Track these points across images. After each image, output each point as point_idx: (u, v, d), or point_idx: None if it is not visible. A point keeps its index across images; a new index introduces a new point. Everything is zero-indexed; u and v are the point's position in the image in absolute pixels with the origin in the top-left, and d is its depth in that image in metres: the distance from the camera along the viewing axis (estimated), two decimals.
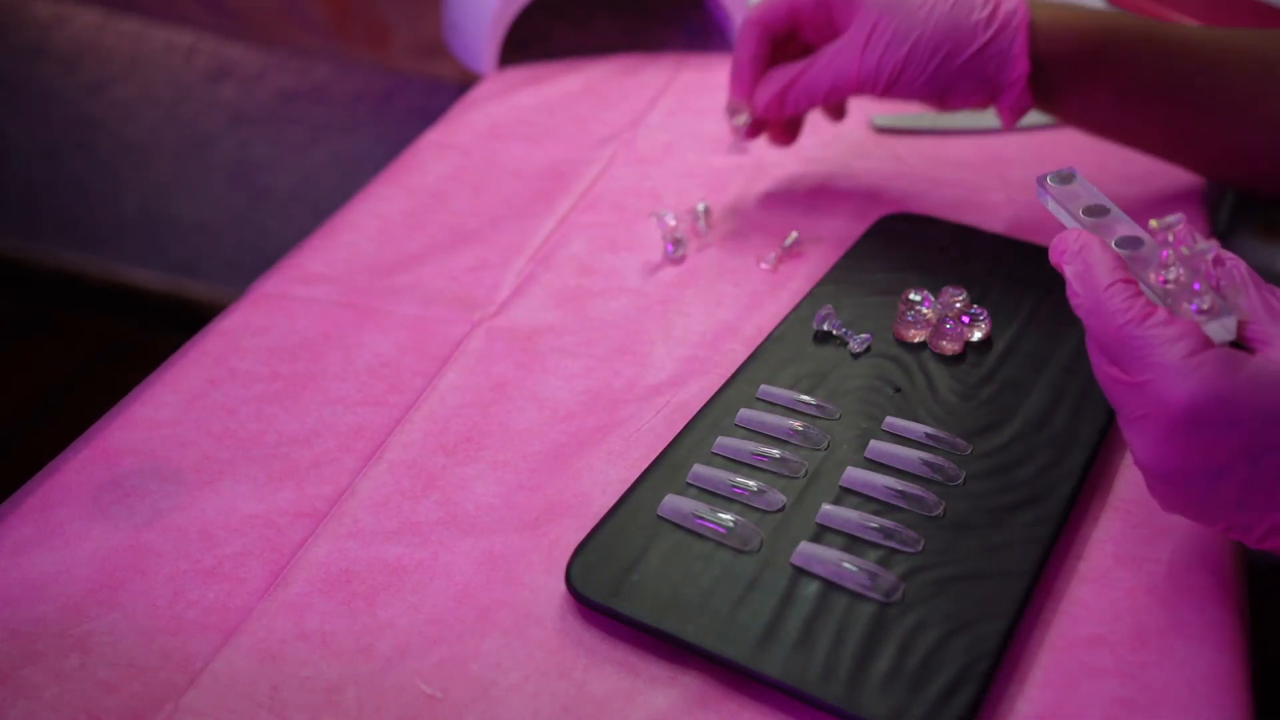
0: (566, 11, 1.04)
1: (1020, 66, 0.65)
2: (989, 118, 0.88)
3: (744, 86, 0.71)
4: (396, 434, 0.58)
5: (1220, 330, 0.44)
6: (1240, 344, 0.44)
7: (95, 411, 0.60)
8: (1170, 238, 0.47)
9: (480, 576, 0.50)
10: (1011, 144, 0.84)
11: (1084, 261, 0.46)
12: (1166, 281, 0.46)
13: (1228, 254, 0.46)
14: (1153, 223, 0.48)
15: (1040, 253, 0.70)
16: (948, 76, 0.66)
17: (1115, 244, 0.48)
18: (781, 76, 0.70)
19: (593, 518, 0.53)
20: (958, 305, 0.62)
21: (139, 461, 0.56)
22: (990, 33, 0.64)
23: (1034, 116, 0.88)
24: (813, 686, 0.44)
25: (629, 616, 0.47)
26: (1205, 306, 0.44)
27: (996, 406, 0.57)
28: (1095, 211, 0.51)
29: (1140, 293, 0.45)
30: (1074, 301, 0.46)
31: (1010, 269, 0.68)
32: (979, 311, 0.62)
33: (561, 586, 0.49)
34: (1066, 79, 0.66)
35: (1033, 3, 0.66)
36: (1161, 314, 0.43)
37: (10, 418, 1.64)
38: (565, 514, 0.53)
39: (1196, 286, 0.45)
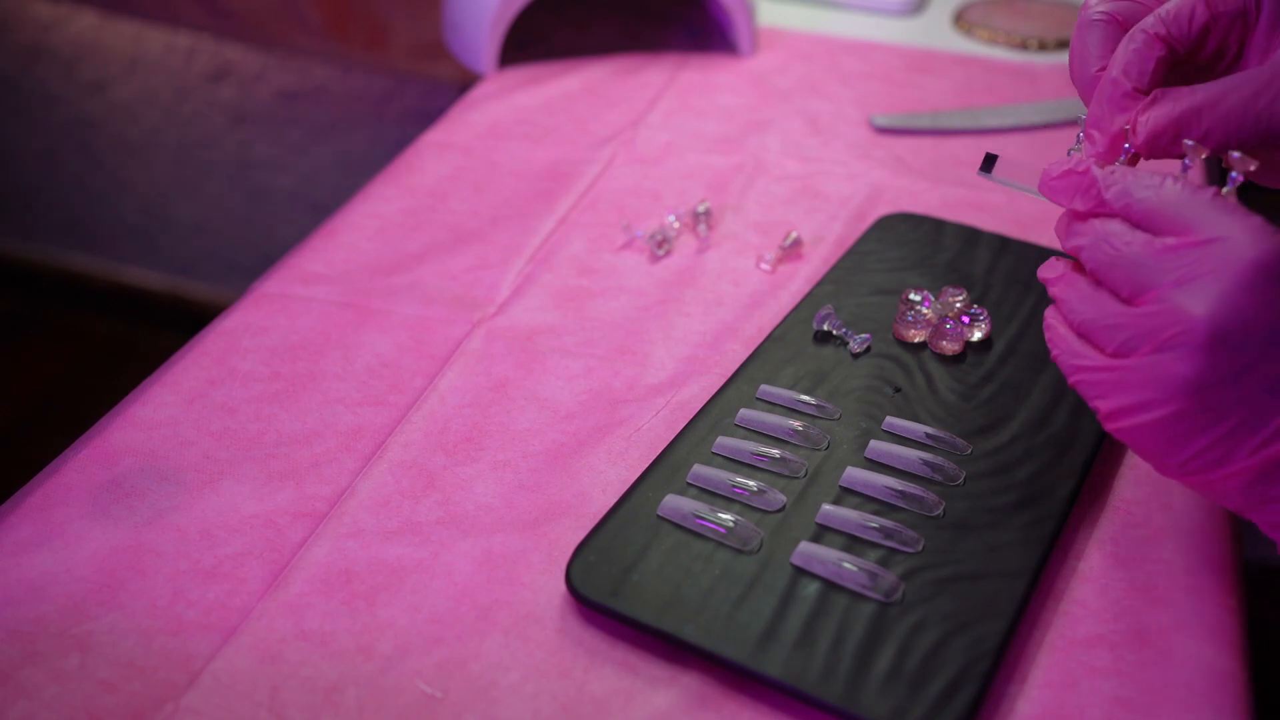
0: (566, 11, 1.04)
1: None
2: (989, 117, 0.88)
3: (1119, 112, 0.49)
4: (396, 434, 0.58)
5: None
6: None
7: (95, 411, 0.60)
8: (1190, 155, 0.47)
9: (480, 576, 0.50)
10: (1012, 144, 0.84)
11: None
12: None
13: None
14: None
15: (1040, 253, 0.70)
16: None
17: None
18: (1184, 100, 0.49)
19: (593, 518, 0.53)
20: (958, 305, 0.62)
21: (139, 461, 0.56)
22: None
23: (1031, 115, 0.88)
24: (813, 686, 0.44)
25: (629, 616, 0.47)
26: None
27: (996, 406, 0.57)
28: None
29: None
30: (1107, 194, 0.45)
31: (1010, 269, 0.68)
32: (979, 311, 0.62)
33: (561, 586, 0.49)
34: None
35: None
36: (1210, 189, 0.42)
37: (10, 418, 1.64)
38: (565, 514, 0.53)
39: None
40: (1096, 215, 0.46)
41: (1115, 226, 0.44)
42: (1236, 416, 0.42)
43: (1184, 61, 0.51)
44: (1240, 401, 0.42)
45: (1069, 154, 0.52)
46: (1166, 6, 0.50)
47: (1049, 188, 0.48)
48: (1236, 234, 0.41)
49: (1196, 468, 0.43)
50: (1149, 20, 0.50)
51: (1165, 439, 0.43)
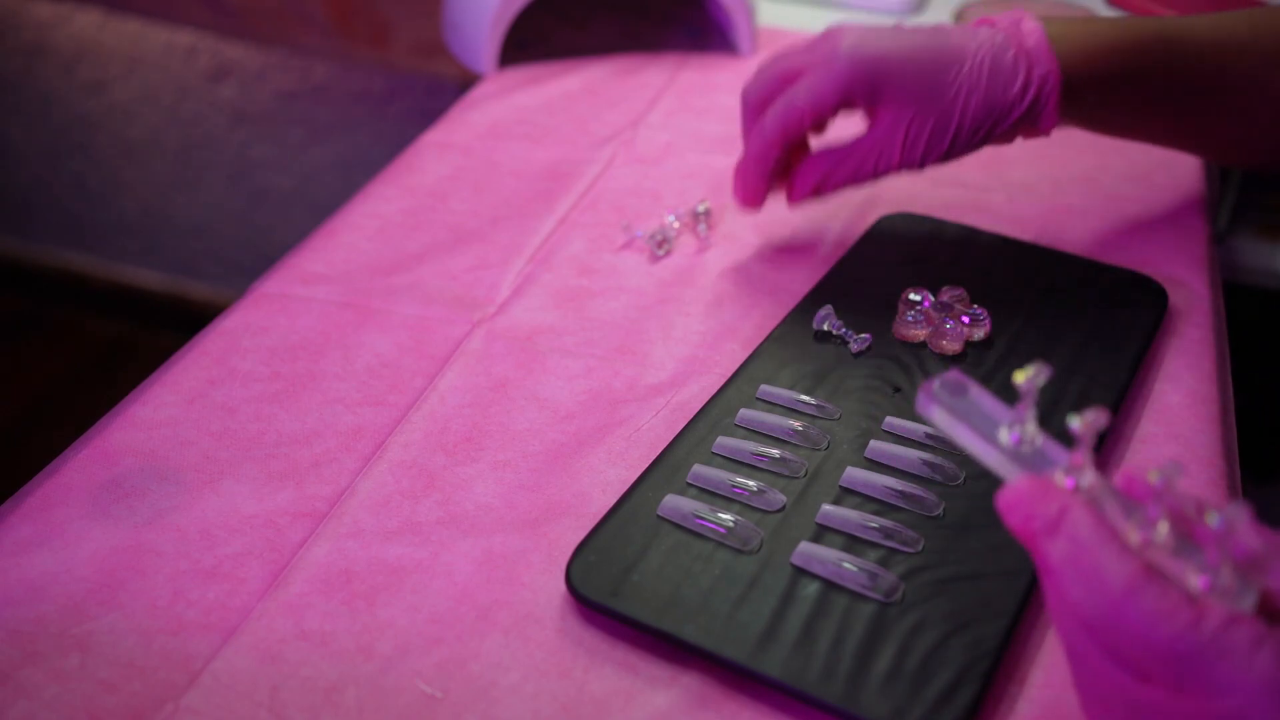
0: (566, 11, 1.04)
1: (1050, 122, 0.64)
2: None
3: (762, 183, 0.68)
4: (396, 434, 0.58)
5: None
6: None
7: (95, 411, 0.60)
8: (1162, 492, 0.36)
9: (480, 576, 0.50)
10: (1011, 144, 0.84)
11: (1074, 542, 0.35)
12: (1149, 543, 0.35)
13: (1241, 519, 0.35)
14: (1152, 475, 0.35)
15: (1041, 253, 0.70)
16: (984, 142, 0.65)
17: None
18: (819, 166, 0.65)
19: (593, 518, 0.53)
20: (958, 305, 0.62)
21: (139, 461, 0.56)
22: (1028, 99, 0.62)
23: None
24: (813, 686, 0.44)
25: (629, 616, 0.47)
26: (1223, 583, 0.34)
27: None
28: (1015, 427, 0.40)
29: (1167, 584, 0.34)
30: (1069, 597, 0.35)
31: (1010, 269, 0.68)
32: (979, 311, 0.62)
33: (561, 586, 0.49)
34: (1089, 100, 0.64)
35: (1050, 28, 0.63)
36: (1217, 613, 0.33)
37: (10, 418, 1.64)
38: (565, 514, 0.53)
39: (1212, 558, 0.34)
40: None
41: (1092, 655, 0.36)
42: None
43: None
44: None
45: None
46: (778, 110, 0.65)
47: (1004, 503, 0.39)
48: (1253, 698, 0.32)
49: None
50: (770, 120, 0.66)
51: None
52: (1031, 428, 0.40)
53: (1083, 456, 0.37)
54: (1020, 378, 0.39)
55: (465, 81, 1.03)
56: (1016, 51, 0.62)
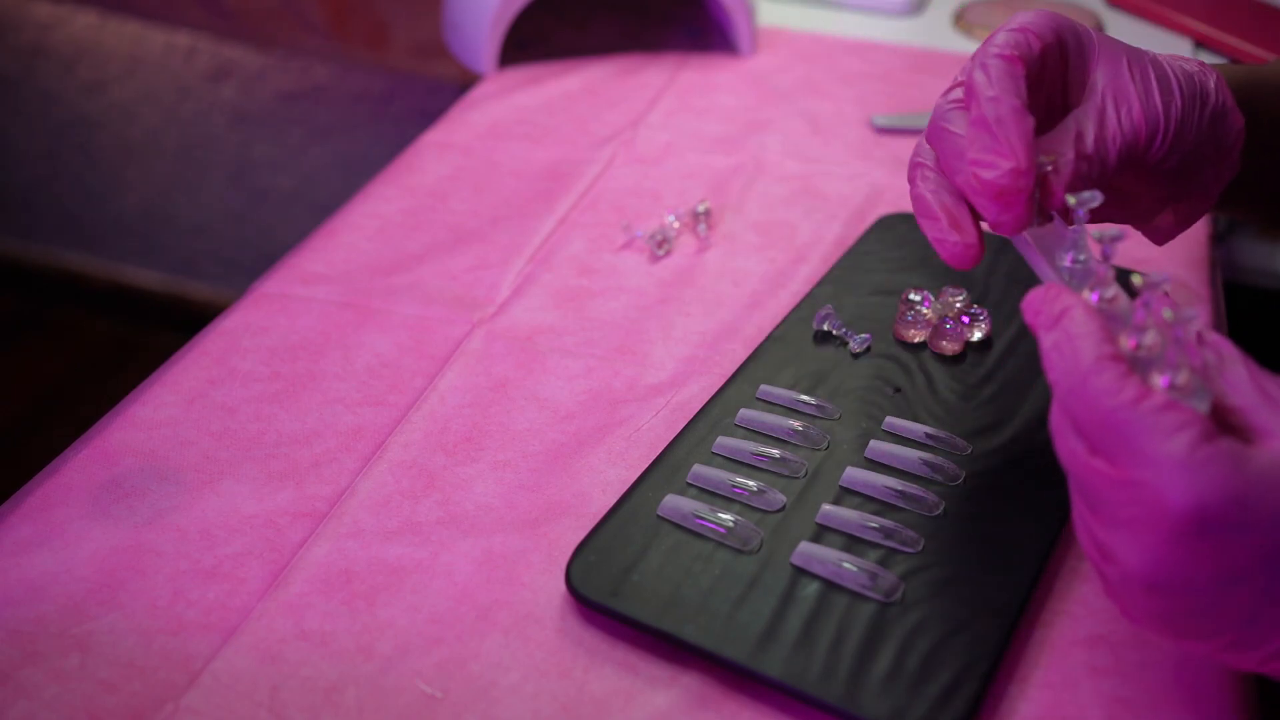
0: (566, 11, 1.04)
1: (1237, 120, 0.53)
2: None
3: (1020, 140, 0.47)
4: (396, 434, 0.58)
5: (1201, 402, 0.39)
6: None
7: (95, 411, 0.60)
8: (1150, 298, 0.40)
9: (480, 576, 0.50)
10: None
11: (1064, 330, 0.40)
12: (1138, 346, 0.40)
13: (1214, 334, 0.41)
14: (1135, 277, 0.41)
15: None
16: (1197, 132, 0.52)
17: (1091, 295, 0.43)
18: (1062, 155, 0.49)
19: (593, 518, 0.53)
20: (958, 305, 0.62)
21: (139, 461, 0.56)
22: (1212, 85, 0.52)
23: None
24: (813, 686, 0.44)
25: (629, 616, 0.47)
26: (1180, 382, 0.39)
27: (996, 406, 0.57)
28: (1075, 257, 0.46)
29: (1131, 372, 0.39)
30: (1051, 375, 0.40)
31: (1010, 269, 0.68)
32: (979, 311, 0.62)
33: (561, 586, 0.49)
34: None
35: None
36: (1159, 397, 0.37)
37: (10, 418, 1.64)
38: (565, 514, 0.53)
39: (1172, 357, 0.39)
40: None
41: (1064, 427, 0.40)
42: (1225, 636, 0.38)
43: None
44: (1200, 629, 0.38)
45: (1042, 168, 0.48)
46: (1000, 37, 0.49)
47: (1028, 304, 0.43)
48: (1162, 473, 0.36)
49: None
50: (995, 45, 0.49)
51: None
52: (1083, 251, 0.46)
53: (1105, 271, 0.43)
54: (1072, 200, 0.44)
55: (465, 81, 1.03)
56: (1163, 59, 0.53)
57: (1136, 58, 0.51)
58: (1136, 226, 0.56)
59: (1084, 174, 0.50)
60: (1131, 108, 0.50)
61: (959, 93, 0.50)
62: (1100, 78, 0.51)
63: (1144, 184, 0.54)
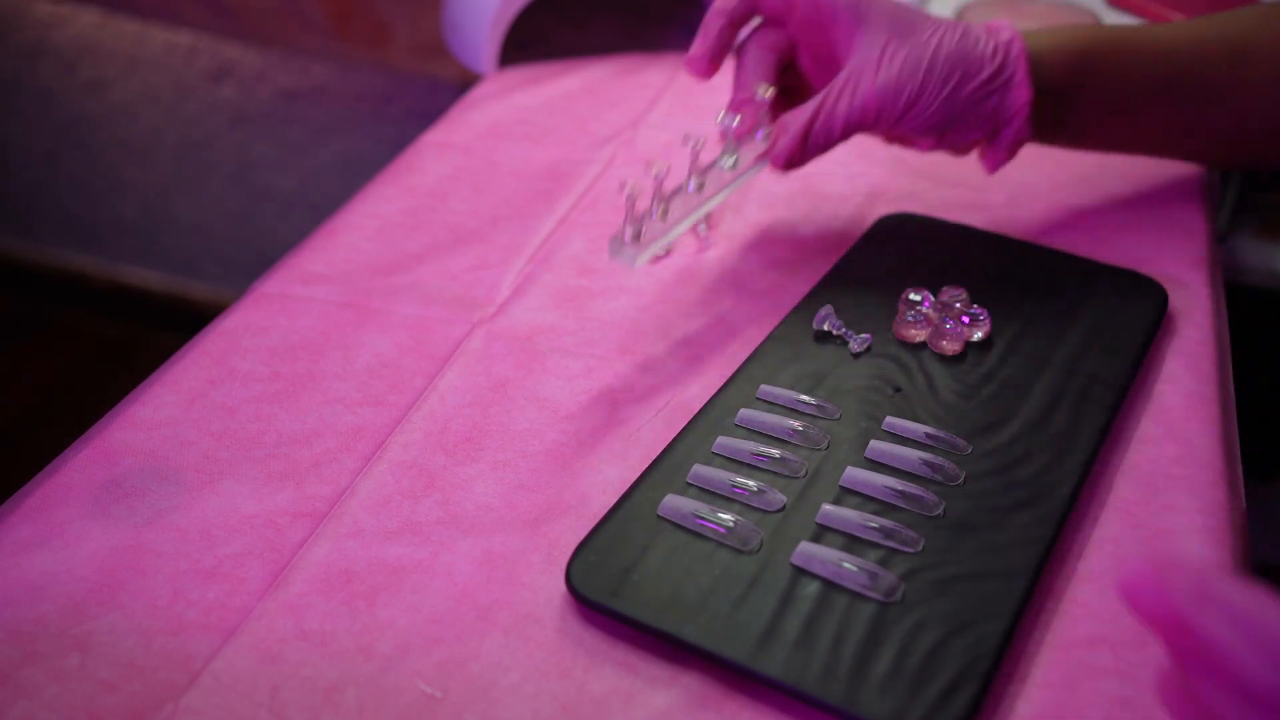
0: (566, 11, 1.04)
1: (1023, 94, 0.64)
2: None
3: (712, 64, 0.66)
4: (396, 434, 0.58)
5: (623, 257, 0.53)
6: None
7: (95, 411, 0.60)
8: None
9: (480, 576, 0.50)
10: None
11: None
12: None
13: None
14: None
15: (1041, 253, 0.70)
16: (956, 106, 0.64)
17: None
18: (799, 117, 0.64)
19: (593, 518, 0.53)
20: (958, 305, 0.62)
21: (139, 461, 0.56)
22: (996, 62, 0.63)
23: None
24: (813, 686, 0.44)
25: (629, 616, 0.47)
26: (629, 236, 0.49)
27: (996, 406, 0.57)
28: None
29: None
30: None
31: (1010, 269, 0.68)
32: (979, 311, 0.62)
33: (561, 586, 0.49)
34: (1061, 103, 0.66)
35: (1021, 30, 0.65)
36: None
37: (10, 418, 1.64)
38: (565, 514, 0.53)
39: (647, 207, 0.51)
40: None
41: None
42: None
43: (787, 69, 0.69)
44: None
45: (723, 124, 0.64)
46: None
47: None
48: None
49: None
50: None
51: None
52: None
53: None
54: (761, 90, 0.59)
55: (465, 81, 1.03)
56: (982, 28, 0.65)
57: (899, 37, 0.62)
58: (955, 155, 0.70)
59: (815, 141, 0.64)
60: (861, 88, 0.62)
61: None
62: (856, 53, 0.63)
63: (916, 136, 0.67)
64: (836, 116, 0.63)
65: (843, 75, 0.63)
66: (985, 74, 0.63)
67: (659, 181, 0.59)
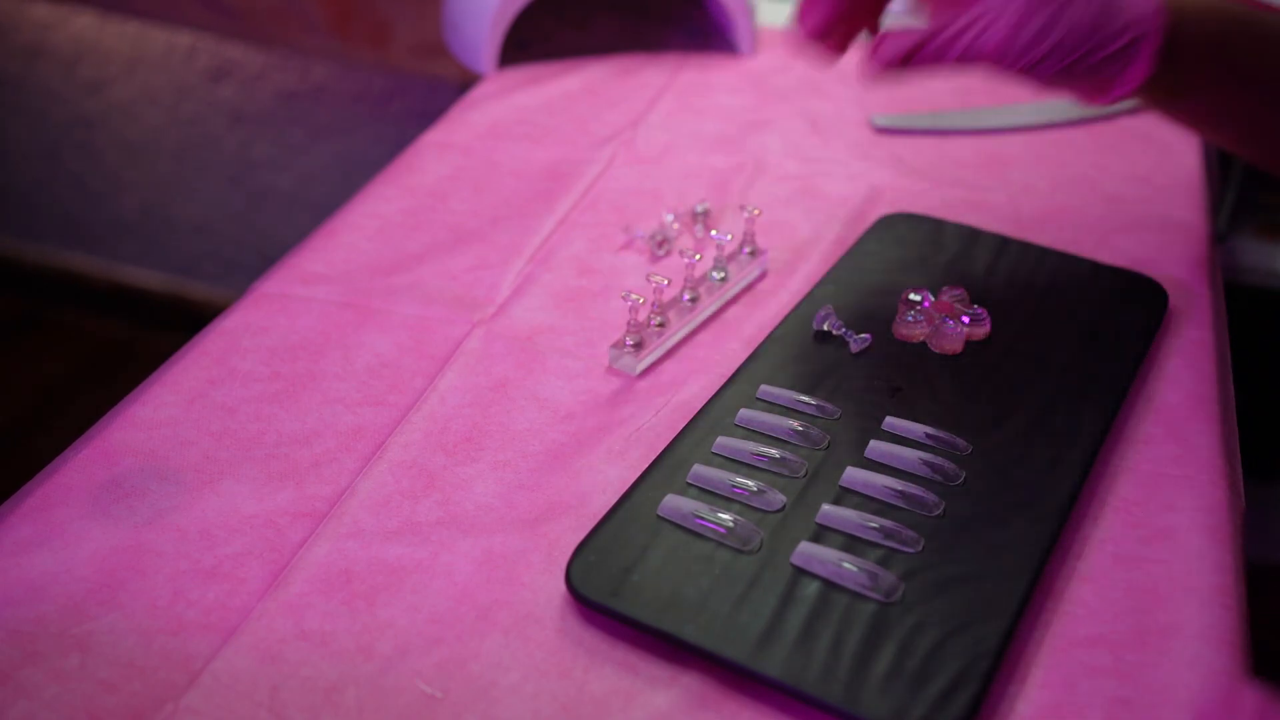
0: (566, 11, 1.04)
1: (1142, 71, 0.59)
2: (989, 117, 0.88)
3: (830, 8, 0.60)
4: (396, 434, 0.58)
5: (623, 365, 0.58)
6: None
7: (95, 411, 0.60)
8: None
9: (480, 576, 0.50)
10: (1012, 144, 0.84)
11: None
12: None
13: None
14: None
15: (1041, 253, 0.70)
16: (1080, 72, 0.59)
17: None
18: (906, 39, 0.59)
19: (593, 518, 0.53)
20: (958, 305, 0.62)
21: (139, 461, 0.56)
22: (1128, 37, 0.58)
23: (1031, 115, 0.88)
24: (813, 686, 0.44)
25: (629, 616, 0.47)
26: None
27: (996, 406, 0.57)
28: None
29: None
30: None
31: (1010, 269, 0.68)
32: (979, 311, 0.62)
33: (561, 586, 0.49)
34: (1181, 72, 0.61)
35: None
36: None
37: (10, 418, 1.64)
38: (565, 514, 0.53)
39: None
40: None
41: None
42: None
43: None
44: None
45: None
46: None
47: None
48: None
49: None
50: None
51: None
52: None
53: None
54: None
55: (465, 81, 1.03)
56: None
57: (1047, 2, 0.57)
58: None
59: (924, 58, 0.59)
60: (989, 33, 0.58)
61: None
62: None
63: (1033, 83, 0.61)
64: (954, 48, 0.58)
65: (975, 15, 0.58)
66: (1114, 48, 0.58)
67: (658, 291, 0.64)
